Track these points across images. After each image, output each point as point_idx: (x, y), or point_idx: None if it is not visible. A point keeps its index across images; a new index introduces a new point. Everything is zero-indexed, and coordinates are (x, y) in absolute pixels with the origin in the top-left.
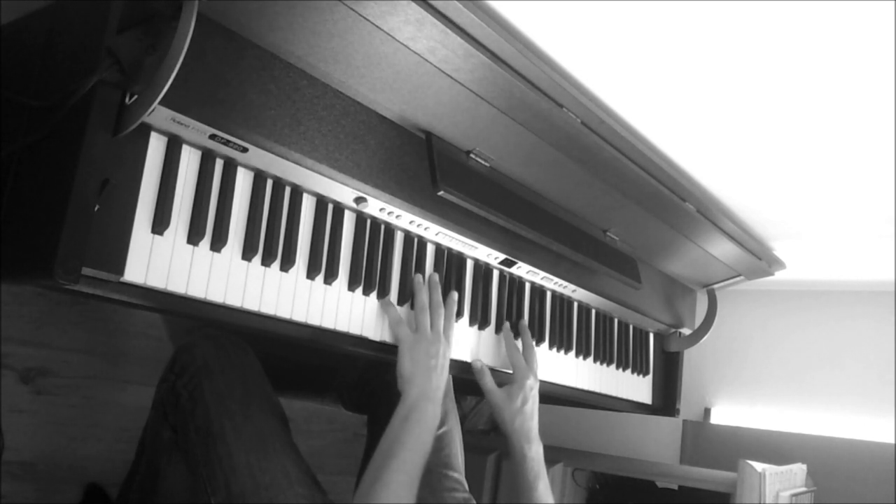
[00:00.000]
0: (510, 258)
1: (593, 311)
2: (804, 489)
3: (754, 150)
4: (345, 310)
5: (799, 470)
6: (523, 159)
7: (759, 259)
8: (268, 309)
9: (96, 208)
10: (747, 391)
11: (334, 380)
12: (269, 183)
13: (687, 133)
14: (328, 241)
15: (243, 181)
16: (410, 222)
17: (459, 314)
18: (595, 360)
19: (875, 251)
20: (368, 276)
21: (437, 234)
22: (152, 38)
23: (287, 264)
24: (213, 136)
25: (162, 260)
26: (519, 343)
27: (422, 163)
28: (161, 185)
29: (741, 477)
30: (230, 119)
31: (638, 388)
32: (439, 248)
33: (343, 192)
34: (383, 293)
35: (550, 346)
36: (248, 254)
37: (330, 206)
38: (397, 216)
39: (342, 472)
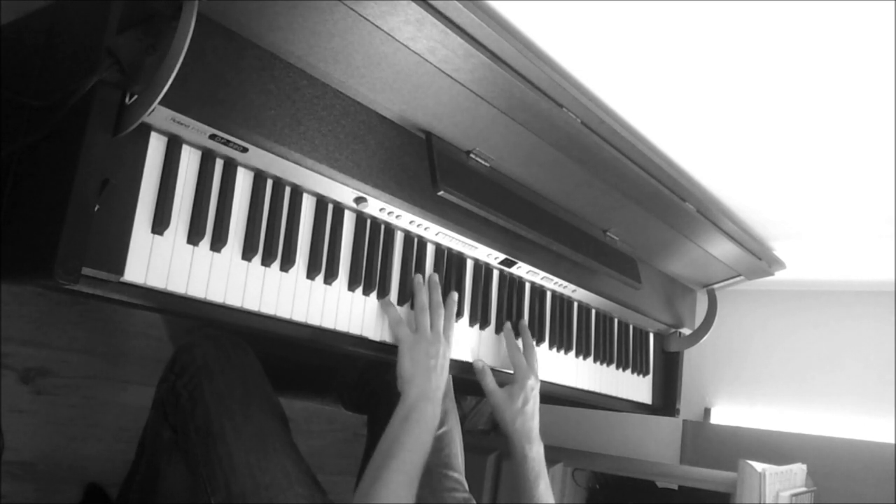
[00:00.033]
0: (510, 258)
1: (593, 311)
2: (804, 489)
3: (754, 150)
4: (345, 310)
5: (799, 470)
6: (523, 159)
7: (759, 259)
8: (268, 309)
9: (96, 208)
10: (747, 391)
11: (334, 380)
12: (269, 183)
13: (687, 133)
14: (328, 241)
15: (243, 181)
16: (410, 222)
17: (459, 314)
18: (595, 360)
19: (875, 251)
20: (368, 276)
21: (437, 234)
22: (152, 38)
23: (287, 264)
24: (213, 136)
25: (162, 260)
26: (519, 343)
27: (422, 163)
28: (161, 185)
29: (741, 477)
30: (230, 119)
31: (638, 388)
32: (439, 248)
33: (343, 192)
34: (383, 293)
35: (550, 346)
36: (248, 254)
37: (330, 206)
38: (397, 216)
39: (342, 472)
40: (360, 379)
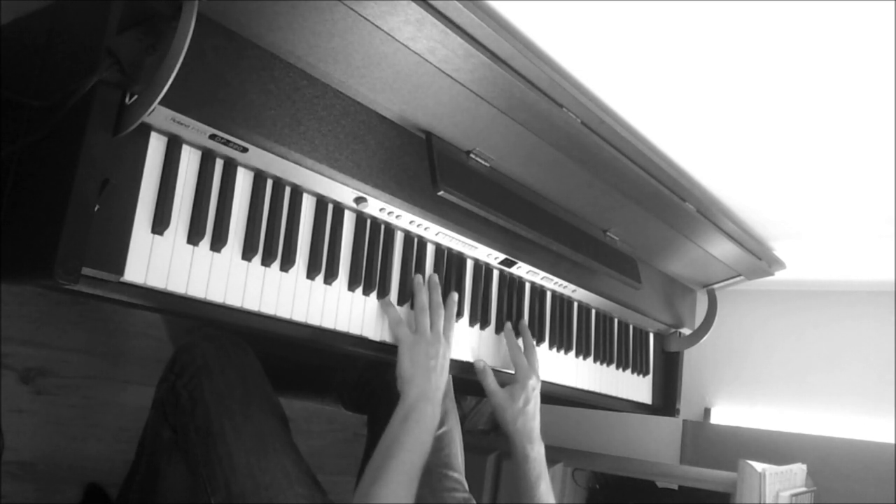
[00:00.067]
0: (510, 258)
1: (593, 311)
2: (804, 489)
3: (754, 150)
4: (345, 310)
5: (799, 470)
6: (523, 159)
7: (759, 259)
8: (268, 309)
9: (96, 208)
10: (747, 391)
11: (334, 380)
12: (269, 183)
13: (687, 133)
14: (328, 241)
15: (243, 181)
16: (410, 222)
17: (460, 314)
18: (595, 360)
19: (875, 251)
20: (368, 276)
21: (437, 234)
22: (152, 38)
23: (287, 264)
24: (213, 136)
25: (162, 260)
26: (520, 343)
27: (422, 163)
28: (161, 185)
29: (741, 477)
30: (230, 119)
31: (638, 388)
32: (439, 248)
33: (343, 192)
34: (383, 293)
35: (550, 346)
36: (248, 254)
37: (330, 206)
38: (397, 216)
39: (342, 472)
40: (360, 379)
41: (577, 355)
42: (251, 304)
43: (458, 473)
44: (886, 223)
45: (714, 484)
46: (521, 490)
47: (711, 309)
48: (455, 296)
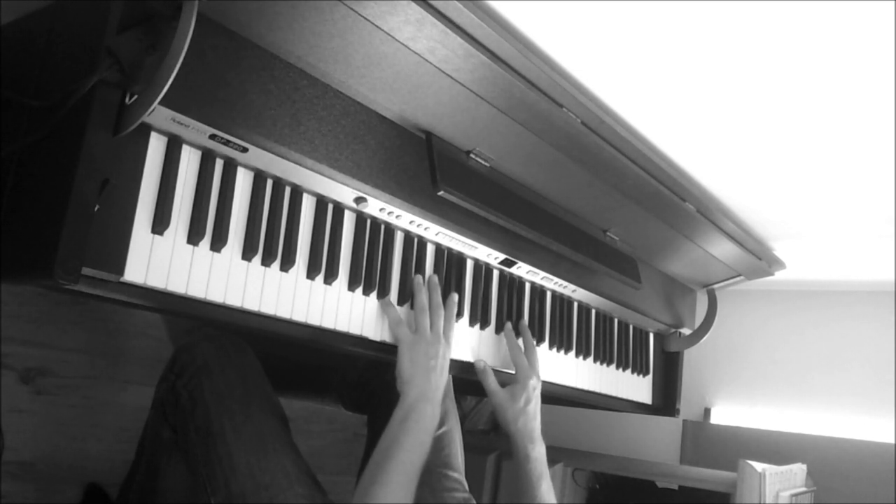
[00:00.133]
0: (510, 258)
1: (593, 311)
2: (804, 489)
3: (754, 150)
4: (345, 310)
5: (799, 470)
6: (523, 159)
7: (759, 259)
8: (268, 309)
9: (96, 208)
10: (747, 391)
11: (334, 380)
12: (269, 183)
13: (687, 133)
14: (328, 241)
15: (243, 181)
16: (410, 222)
17: (460, 314)
18: (595, 360)
19: (875, 251)
20: (368, 276)
21: (437, 234)
22: (152, 38)
23: (287, 264)
24: (213, 136)
25: (162, 260)
26: (520, 343)
27: (422, 163)
28: (161, 185)
29: (741, 477)
30: (230, 119)
31: (638, 388)
32: (439, 248)
33: (343, 192)
34: (383, 293)
35: (550, 346)
36: (248, 254)
37: (330, 206)
38: (397, 216)
39: (342, 472)
40: (360, 379)
41: (577, 355)
42: (251, 304)
43: (458, 473)
44: (886, 223)
45: (714, 484)
46: (522, 490)
47: (711, 309)
48: (455, 296)
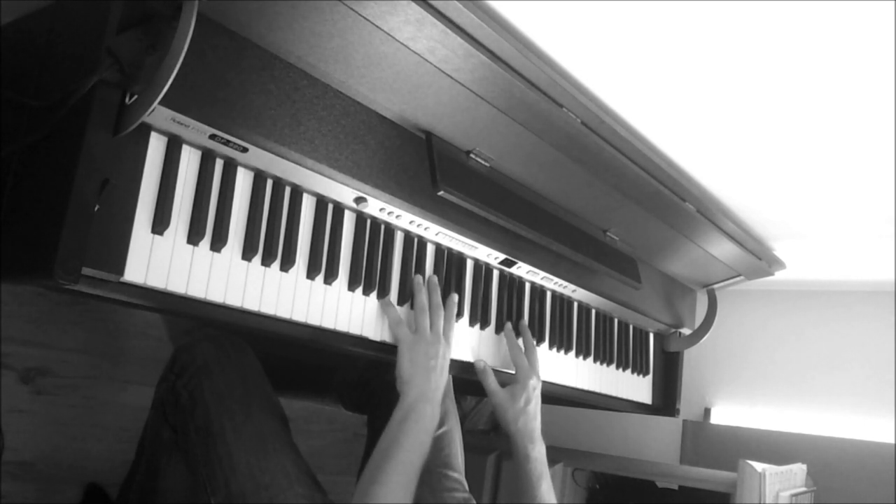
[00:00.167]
0: (510, 258)
1: (593, 311)
2: (804, 489)
3: (754, 150)
4: (345, 310)
5: (799, 470)
6: (523, 159)
7: (759, 259)
8: (268, 309)
9: (96, 208)
10: (747, 391)
11: (334, 380)
12: (269, 183)
13: (687, 133)
14: (328, 241)
15: (243, 181)
16: (410, 222)
17: (460, 314)
18: (595, 360)
19: (875, 251)
20: (368, 276)
21: (437, 234)
22: (152, 38)
23: (287, 264)
24: (213, 136)
25: (162, 260)
26: (520, 343)
27: (422, 163)
28: (161, 185)
29: (741, 477)
30: (230, 119)
31: (638, 388)
32: (439, 248)
33: (343, 192)
34: (383, 293)
35: (550, 346)
36: (248, 254)
37: (330, 206)
38: (397, 216)
39: (342, 472)
40: (360, 379)
41: (577, 355)
42: (251, 304)
43: (458, 473)
44: (886, 223)
45: (714, 484)
46: (522, 490)
47: (711, 309)
48: (455, 297)
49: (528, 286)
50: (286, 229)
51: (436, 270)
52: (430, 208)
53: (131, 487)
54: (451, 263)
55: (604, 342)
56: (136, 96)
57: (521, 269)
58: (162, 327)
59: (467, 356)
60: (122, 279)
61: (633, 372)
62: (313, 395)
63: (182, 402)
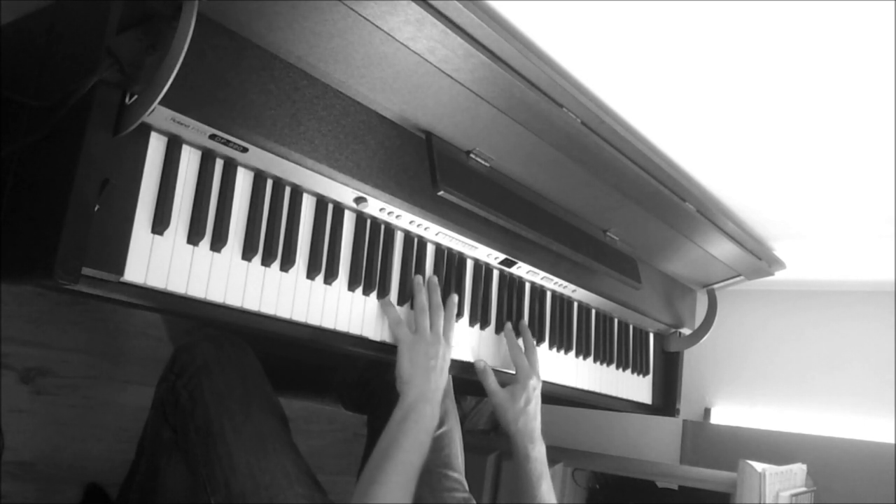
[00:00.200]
0: (510, 258)
1: (593, 311)
2: (804, 489)
3: (754, 150)
4: (345, 310)
5: (799, 470)
6: (523, 159)
7: (759, 259)
8: (268, 309)
9: (96, 208)
10: (747, 391)
11: (334, 380)
12: (269, 183)
13: (687, 133)
14: (328, 241)
15: (243, 181)
16: (410, 222)
17: (460, 314)
18: (595, 360)
19: (875, 251)
20: (368, 276)
21: (437, 234)
22: (152, 38)
23: (287, 264)
24: (213, 136)
25: (162, 260)
26: (520, 343)
27: (422, 163)
28: (161, 185)
29: (741, 477)
30: (230, 119)
31: (638, 387)
32: (439, 248)
33: (343, 192)
34: (383, 293)
35: (550, 346)
36: (248, 254)
37: (330, 206)
38: (397, 216)
39: (342, 472)
40: (360, 379)
41: (577, 355)
42: (251, 304)
43: (458, 473)
44: (886, 223)
45: (714, 484)
46: (523, 490)
47: (711, 309)
48: (455, 297)
49: (528, 286)
50: (286, 229)
51: (436, 270)
52: (430, 208)
53: (131, 487)
54: (451, 263)
55: (604, 342)
56: (136, 96)
57: (521, 269)
58: (162, 327)
59: (467, 356)
60: (122, 279)
61: (633, 372)
62: (313, 395)
63: (182, 402)
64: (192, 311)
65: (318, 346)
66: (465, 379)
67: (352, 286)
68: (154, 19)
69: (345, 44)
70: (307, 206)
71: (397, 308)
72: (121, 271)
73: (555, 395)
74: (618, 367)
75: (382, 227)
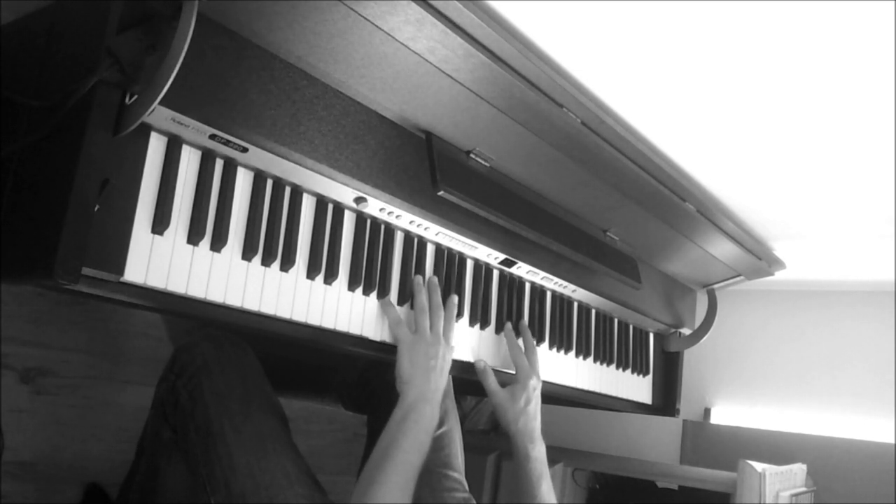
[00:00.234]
0: (510, 258)
1: (593, 311)
2: (804, 489)
3: (754, 150)
4: (345, 310)
5: (799, 470)
6: (523, 159)
7: (759, 259)
8: (268, 309)
9: (96, 208)
10: (747, 391)
11: (334, 380)
12: (269, 183)
13: (687, 133)
14: (328, 241)
15: (243, 181)
16: (410, 222)
17: (460, 314)
18: (595, 360)
19: (875, 251)
20: (368, 276)
21: (437, 234)
22: (152, 38)
23: (287, 264)
24: (213, 136)
25: (162, 260)
26: (520, 343)
27: (422, 163)
28: (161, 185)
29: (741, 477)
30: (230, 119)
31: (638, 387)
32: (439, 248)
33: (343, 192)
34: (383, 293)
35: (550, 346)
36: (248, 254)
37: (330, 206)
38: (397, 216)
39: (342, 472)
40: (360, 379)
41: (577, 355)
42: (251, 304)
43: (458, 473)
44: (886, 223)
45: (714, 484)
46: (523, 490)
47: (711, 309)
48: (455, 298)
49: (528, 286)
50: (286, 229)
51: (436, 270)
52: (430, 208)
53: (131, 487)
54: (451, 263)
55: (604, 342)
56: (136, 96)
57: (521, 269)
58: (162, 327)
59: (467, 356)
60: (122, 279)
61: (633, 372)
62: (313, 395)
63: (182, 402)
64: (192, 311)
65: (318, 346)
66: (465, 379)
67: (352, 286)
68: (154, 19)
69: (345, 44)
70: (307, 206)
71: (397, 308)
72: (121, 271)
73: (555, 395)
74: (618, 367)
75: (382, 227)
